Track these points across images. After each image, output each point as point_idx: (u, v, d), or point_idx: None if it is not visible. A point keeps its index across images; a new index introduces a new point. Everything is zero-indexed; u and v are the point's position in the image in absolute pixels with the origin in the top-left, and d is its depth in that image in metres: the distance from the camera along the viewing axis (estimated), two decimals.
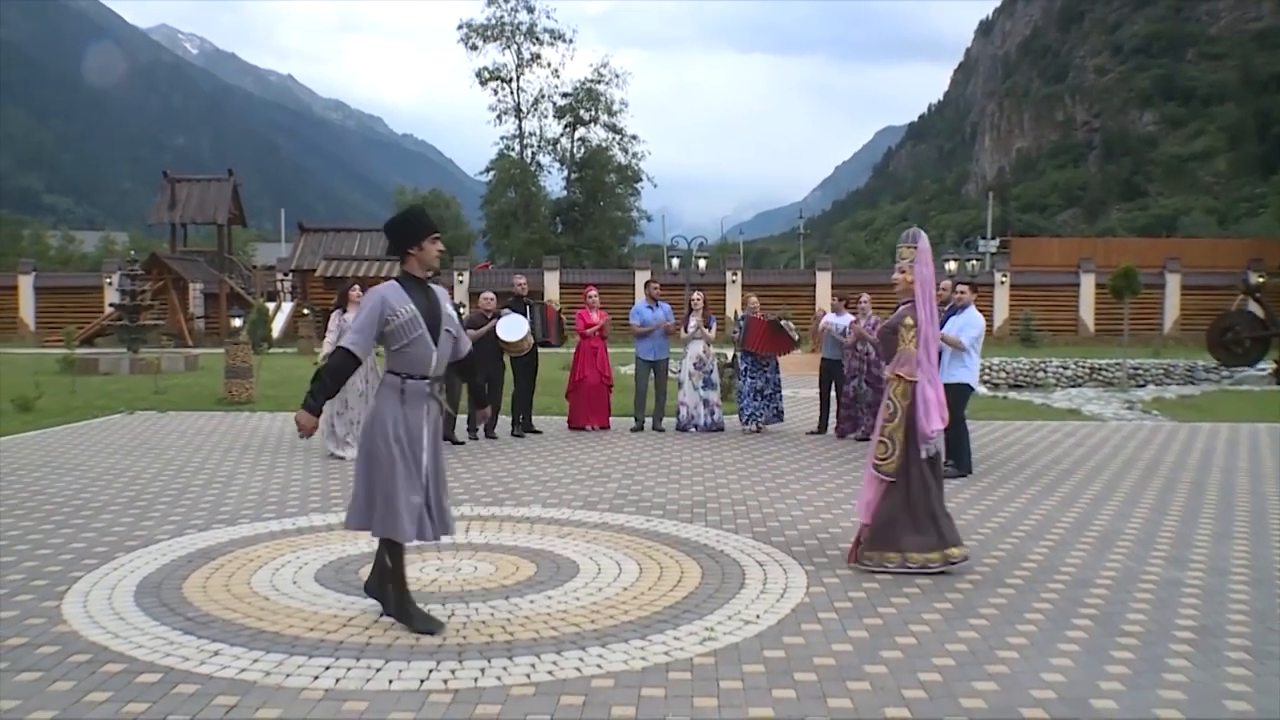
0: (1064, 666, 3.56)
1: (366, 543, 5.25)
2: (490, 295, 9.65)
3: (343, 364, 3.88)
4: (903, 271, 5.01)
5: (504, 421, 9.79)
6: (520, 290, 9.95)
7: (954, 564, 4.77)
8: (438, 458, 3.98)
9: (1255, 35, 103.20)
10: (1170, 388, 16.96)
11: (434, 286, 4.02)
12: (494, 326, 9.25)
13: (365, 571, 4.48)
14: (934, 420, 4.82)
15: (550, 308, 10.27)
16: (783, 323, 10.03)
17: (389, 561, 3.99)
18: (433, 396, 3.95)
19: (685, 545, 5.31)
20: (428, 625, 3.89)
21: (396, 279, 3.97)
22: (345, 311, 8.36)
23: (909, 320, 4.92)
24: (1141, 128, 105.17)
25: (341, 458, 8.07)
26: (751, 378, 9.96)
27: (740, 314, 10.38)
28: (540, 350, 9.99)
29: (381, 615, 4.03)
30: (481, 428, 9.45)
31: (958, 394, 7.46)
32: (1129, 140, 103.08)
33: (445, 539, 4.16)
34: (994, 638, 3.87)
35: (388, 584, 4.02)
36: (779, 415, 10.05)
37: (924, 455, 4.83)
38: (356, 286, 8.50)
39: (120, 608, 4.16)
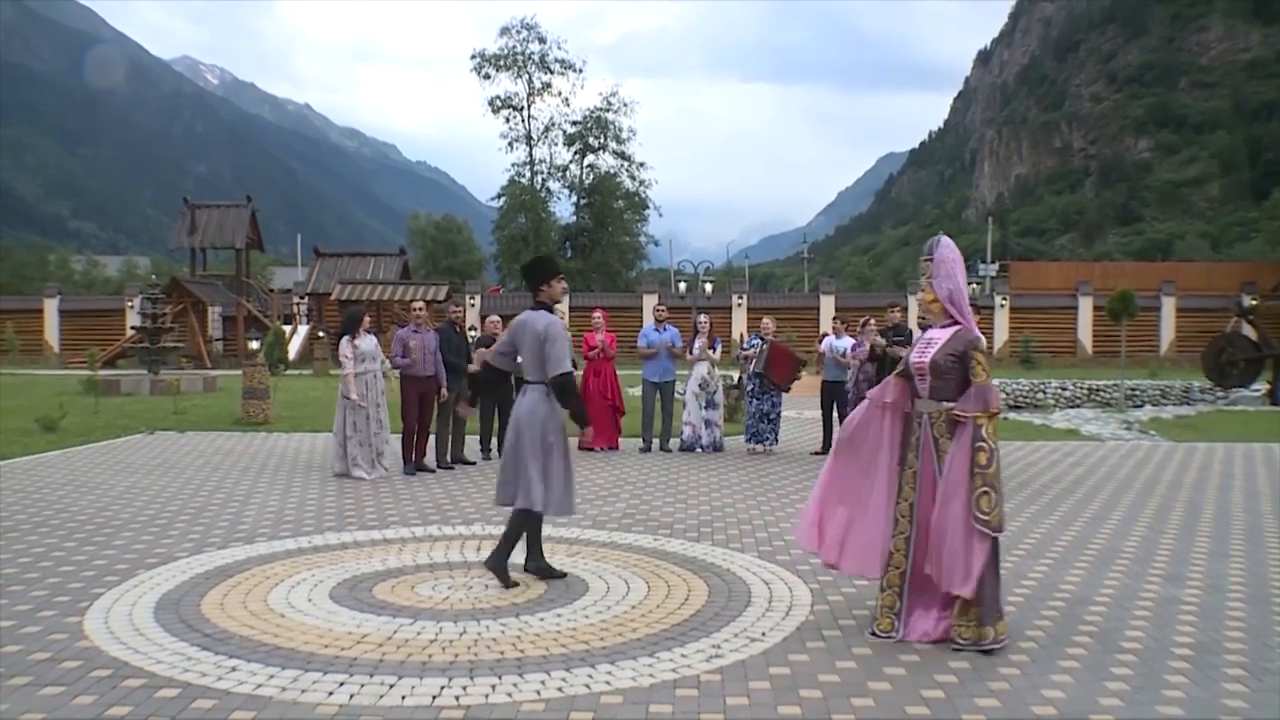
0: (1064, 683, 3.60)
1: (380, 561, 5.37)
2: (496, 319, 9.86)
3: None
4: (923, 290, 4.21)
5: None
6: None
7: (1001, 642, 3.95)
8: None
9: (1245, 65, 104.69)
10: (1166, 408, 16.80)
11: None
12: None
13: (380, 588, 4.57)
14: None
15: None
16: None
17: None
18: None
19: (692, 564, 5.36)
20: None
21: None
22: (355, 338, 8.45)
23: (980, 348, 4.05)
24: (1136, 154, 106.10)
25: (362, 478, 8.17)
26: (757, 400, 10.04)
27: (752, 338, 10.42)
28: None
29: (395, 631, 4.13)
30: (495, 448, 9.55)
31: None
32: (1124, 166, 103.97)
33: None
34: (996, 655, 3.90)
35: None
36: (777, 437, 10.16)
37: None
38: (366, 317, 8.67)
39: (140, 624, 4.24)
